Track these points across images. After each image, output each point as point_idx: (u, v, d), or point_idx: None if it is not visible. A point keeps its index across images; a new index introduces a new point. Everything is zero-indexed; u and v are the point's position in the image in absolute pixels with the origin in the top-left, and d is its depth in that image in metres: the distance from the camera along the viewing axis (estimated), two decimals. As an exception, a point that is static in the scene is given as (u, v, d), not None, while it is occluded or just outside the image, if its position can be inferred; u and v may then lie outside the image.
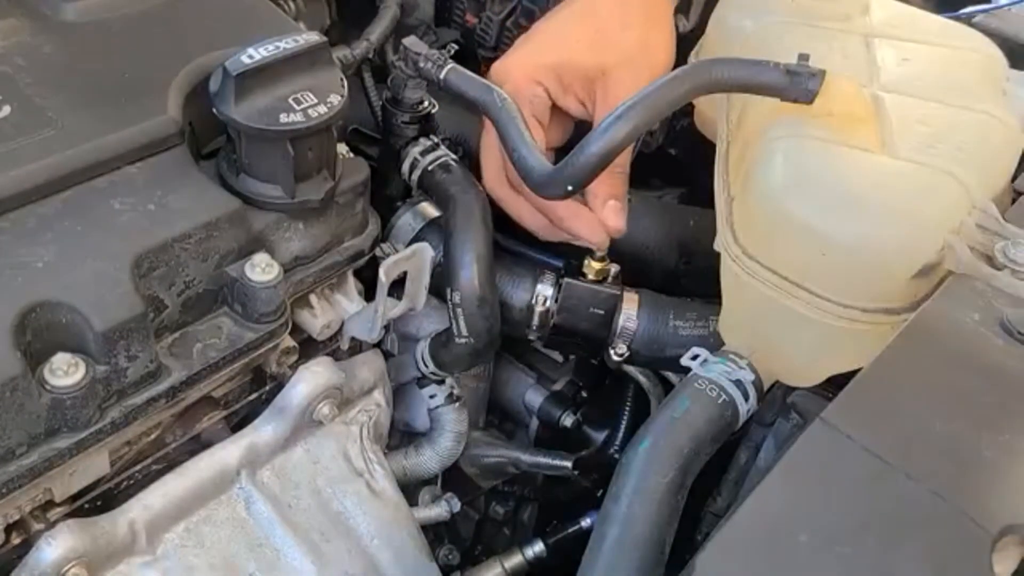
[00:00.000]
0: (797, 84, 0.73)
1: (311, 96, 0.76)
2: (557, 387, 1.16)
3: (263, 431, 0.81)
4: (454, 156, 0.96)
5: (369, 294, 0.89)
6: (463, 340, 0.89)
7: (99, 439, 0.69)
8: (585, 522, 1.10)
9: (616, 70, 0.90)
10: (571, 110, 0.94)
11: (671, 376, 1.07)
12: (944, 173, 0.73)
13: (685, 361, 0.80)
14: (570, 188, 0.78)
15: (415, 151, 0.95)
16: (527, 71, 0.91)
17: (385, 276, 0.80)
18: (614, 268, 0.96)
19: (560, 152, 0.92)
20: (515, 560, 1.06)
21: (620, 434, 1.11)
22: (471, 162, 1.02)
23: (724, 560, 0.54)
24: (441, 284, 0.90)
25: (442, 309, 0.93)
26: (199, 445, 0.81)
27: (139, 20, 0.85)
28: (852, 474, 0.57)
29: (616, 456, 1.10)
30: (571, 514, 1.11)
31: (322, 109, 0.75)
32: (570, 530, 1.10)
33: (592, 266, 0.95)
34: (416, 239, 0.98)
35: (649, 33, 0.93)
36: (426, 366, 0.96)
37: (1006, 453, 0.58)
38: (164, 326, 0.74)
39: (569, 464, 1.08)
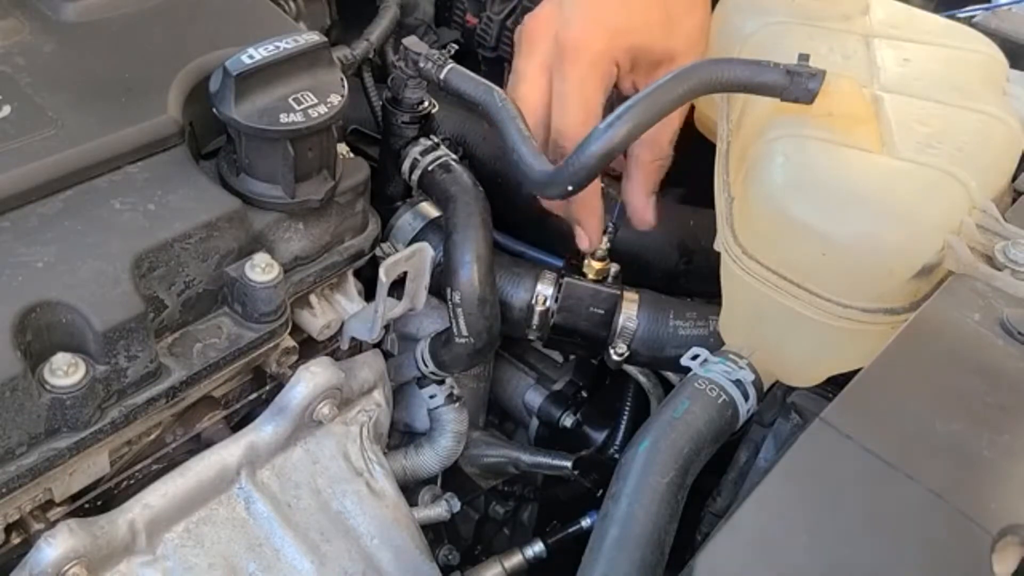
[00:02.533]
0: (797, 84, 0.73)
1: (311, 96, 0.76)
2: (557, 387, 1.16)
3: (263, 431, 0.81)
4: (454, 156, 0.96)
5: (369, 294, 0.89)
6: (463, 340, 0.89)
7: (99, 439, 0.69)
8: (585, 522, 1.10)
9: (683, 56, 0.90)
10: (624, 90, 0.93)
11: (671, 376, 1.07)
12: (944, 173, 0.73)
13: (685, 361, 0.80)
14: (570, 188, 0.78)
15: (415, 151, 0.95)
16: (605, 47, 0.88)
17: (385, 276, 0.80)
18: (614, 268, 0.96)
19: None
20: (515, 560, 1.06)
21: (620, 434, 1.11)
22: (471, 162, 1.02)
23: (724, 560, 0.54)
24: (441, 284, 0.90)
25: (442, 309, 0.93)
26: (199, 445, 0.81)
27: (139, 20, 0.85)
28: (852, 474, 0.56)
29: (616, 456, 1.10)
30: (571, 514, 1.11)
31: (322, 109, 0.75)
32: (570, 530, 1.10)
33: (592, 266, 0.95)
34: (416, 239, 0.98)
35: (705, 19, 0.94)
36: (426, 366, 0.96)
37: (1006, 453, 0.58)
38: (164, 326, 0.74)
39: (569, 464, 1.08)
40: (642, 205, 0.93)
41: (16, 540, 0.72)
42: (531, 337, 0.98)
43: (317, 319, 0.86)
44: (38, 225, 0.69)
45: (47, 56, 0.80)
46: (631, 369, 1.08)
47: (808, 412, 0.79)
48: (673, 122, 0.90)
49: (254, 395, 0.87)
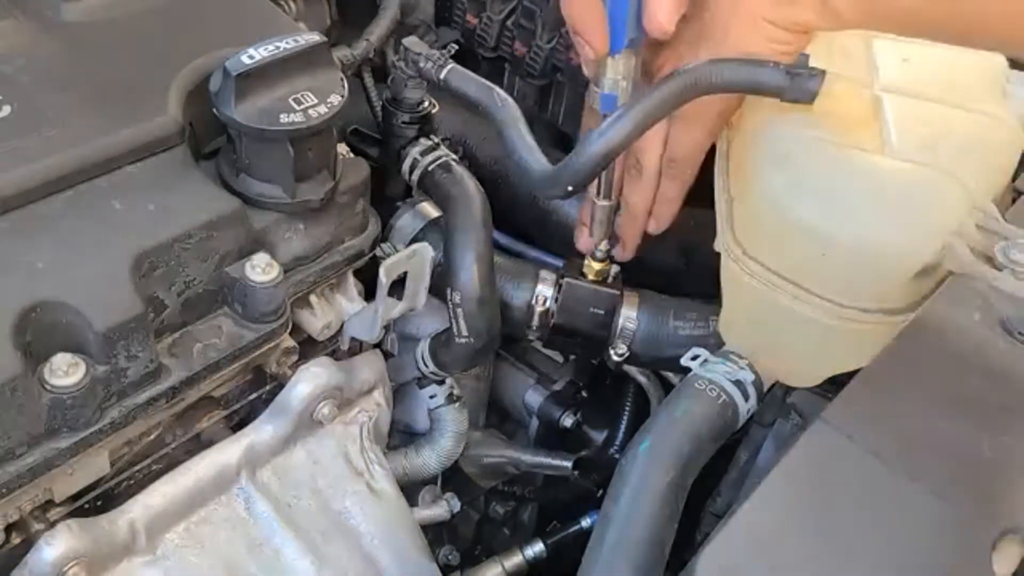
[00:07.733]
0: (797, 84, 0.73)
1: (311, 96, 0.76)
2: (557, 387, 1.16)
3: (263, 431, 0.81)
4: (454, 156, 0.96)
5: (369, 294, 0.89)
6: (463, 340, 0.89)
7: (99, 439, 0.69)
8: (585, 522, 1.10)
9: None
10: None
11: (671, 376, 1.07)
12: (944, 173, 0.73)
13: (685, 361, 0.80)
14: (570, 188, 0.78)
15: (415, 151, 0.95)
16: None
17: (385, 276, 0.80)
18: (614, 268, 0.95)
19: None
20: (515, 560, 1.06)
21: (620, 434, 1.11)
22: (471, 162, 1.02)
23: (724, 560, 0.54)
24: (441, 284, 0.90)
25: (442, 309, 0.93)
26: (199, 445, 0.81)
27: (139, 20, 0.85)
28: (852, 474, 0.57)
29: (616, 456, 1.10)
30: (571, 514, 1.11)
31: (322, 109, 0.76)
32: (570, 530, 1.10)
33: (592, 266, 0.95)
34: (416, 239, 0.98)
35: None
36: (426, 366, 0.96)
37: (1006, 453, 0.58)
38: (164, 326, 0.74)
39: (569, 464, 1.08)
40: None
41: (16, 540, 0.72)
42: (531, 337, 0.98)
43: (317, 319, 0.86)
44: (38, 225, 0.69)
45: (47, 56, 0.80)
46: (631, 369, 1.08)
47: (808, 412, 0.79)
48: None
49: (254, 395, 0.87)
